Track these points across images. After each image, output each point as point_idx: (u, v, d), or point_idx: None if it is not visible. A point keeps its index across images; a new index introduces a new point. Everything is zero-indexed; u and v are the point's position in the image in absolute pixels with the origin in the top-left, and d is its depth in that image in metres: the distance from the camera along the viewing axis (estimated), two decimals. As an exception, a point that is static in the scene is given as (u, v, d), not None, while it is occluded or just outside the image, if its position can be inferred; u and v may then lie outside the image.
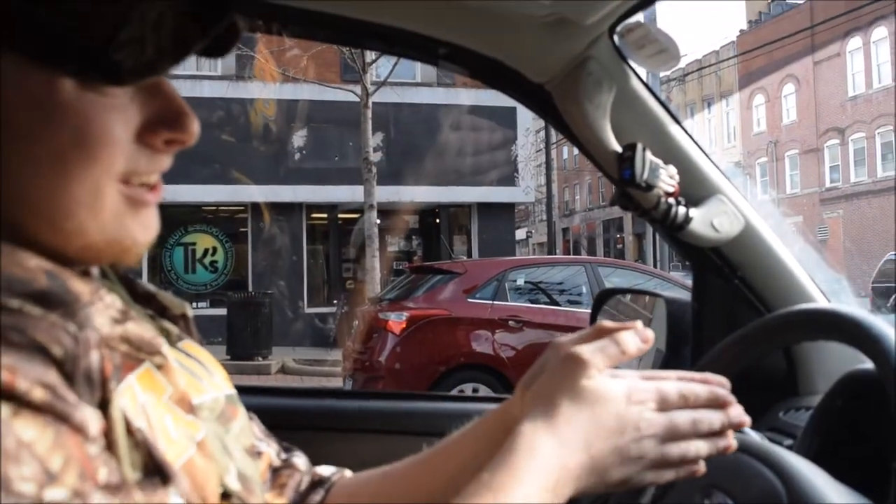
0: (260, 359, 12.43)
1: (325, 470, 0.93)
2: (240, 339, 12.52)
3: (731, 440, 0.73)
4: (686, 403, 0.71)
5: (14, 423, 0.46)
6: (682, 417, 0.70)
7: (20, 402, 0.46)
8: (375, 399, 1.67)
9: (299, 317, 15.72)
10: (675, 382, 0.72)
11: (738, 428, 0.73)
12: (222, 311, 13.22)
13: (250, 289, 14.98)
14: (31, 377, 0.48)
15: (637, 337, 0.73)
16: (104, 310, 0.62)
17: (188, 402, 0.66)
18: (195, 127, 0.65)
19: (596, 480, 0.68)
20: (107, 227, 0.62)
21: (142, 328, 0.65)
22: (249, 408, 0.82)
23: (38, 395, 0.47)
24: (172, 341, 0.72)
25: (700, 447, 0.71)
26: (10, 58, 0.57)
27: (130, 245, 0.64)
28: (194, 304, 15.36)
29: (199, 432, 0.65)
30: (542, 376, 0.72)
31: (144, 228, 0.65)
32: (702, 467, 0.72)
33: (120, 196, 0.62)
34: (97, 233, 0.62)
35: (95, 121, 0.59)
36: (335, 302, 16.02)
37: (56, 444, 0.47)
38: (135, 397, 0.59)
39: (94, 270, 0.70)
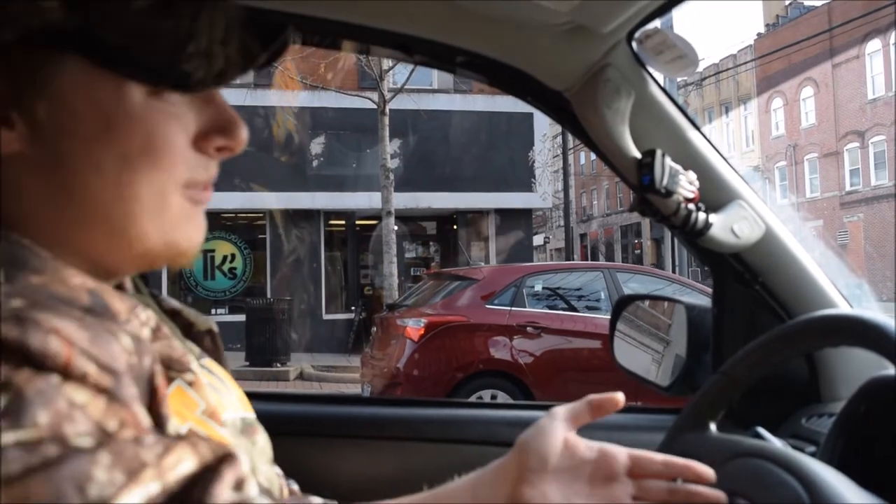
0: (278, 365, 12.46)
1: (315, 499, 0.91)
2: (258, 346, 12.56)
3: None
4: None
5: (65, 388, 0.47)
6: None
7: (72, 376, 0.48)
8: (394, 406, 1.67)
9: (317, 323, 15.76)
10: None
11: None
12: (241, 318, 13.27)
13: (269, 295, 15.04)
14: (98, 357, 0.49)
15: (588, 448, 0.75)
16: (139, 327, 0.62)
17: (219, 416, 0.67)
18: (244, 135, 0.69)
19: None
20: (166, 230, 0.64)
21: (171, 347, 0.66)
22: (268, 415, 0.82)
23: (95, 377, 0.49)
24: (196, 358, 0.73)
25: None
26: (78, 65, 0.59)
27: (187, 247, 0.67)
28: (213, 311, 15.46)
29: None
30: (510, 456, 0.76)
31: (197, 228, 0.68)
32: None
33: (182, 200, 0.65)
34: (157, 237, 0.64)
35: (160, 128, 0.62)
36: (353, 308, 16.05)
37: (110, 410, 0.48)
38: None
39: (128, 285, 0.71)
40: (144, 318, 0.64)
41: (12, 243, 0.58)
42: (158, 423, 0.55)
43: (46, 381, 0.46)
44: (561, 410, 0.78)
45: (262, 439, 0.76)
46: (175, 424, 0.57)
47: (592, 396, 0.78)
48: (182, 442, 0.52)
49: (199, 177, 0.67)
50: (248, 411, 0.76)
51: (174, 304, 0.81)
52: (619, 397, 0.78)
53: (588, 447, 0.77)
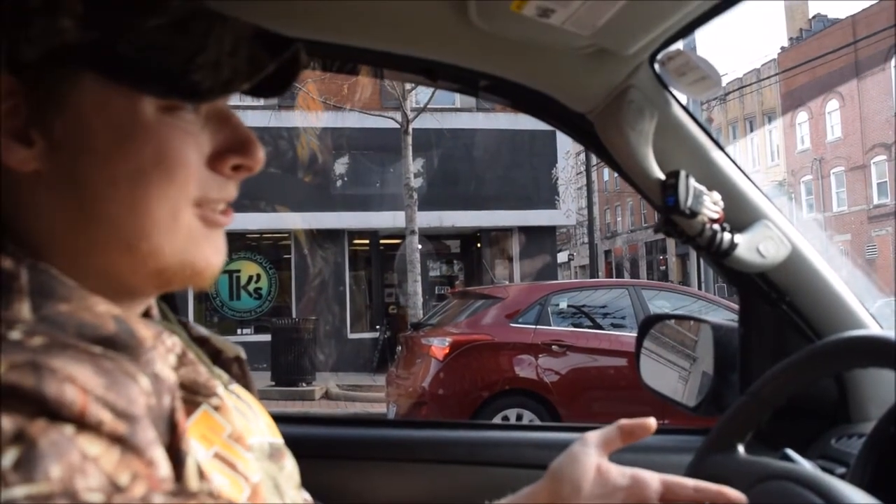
0: (304, 384, 12.49)
1: None
2: (284, 365, 12.60)
3: None
4: None
5: (79, 439, 0.46)
6: None
7: (87, 426, 0.47)
8: (421, 428, 1.67)
9: (342, 342, 15.78)
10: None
11: None
12: (266, 338, 13.33)
13: (294, 315, 15.09)
14: (114, 404, 0.49)
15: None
16: (165, 354, 0.63)
17: (245, 440, 0.67)
18: (261, 154, 0.69)
19: None
20: (181, 248, 0.65)
21: (197, 372, 0.66)
22: (295, 437, 0.82)
23: (111, 425, 0.48)
24: (225, 383, 0.74)
25: None
26: (93, 80, 0.60)
27: (204, 267, 0.67)
28: (239, 331, 15.54)
29: (255, 474, 0.66)
30: (542, 484, 0.77)
31: (216, 250, 0.68)
32: None
33: (195, 218, 0.65)
34: (172, 255, 0.64)
35: (173, 143, 0.63)
36: (378, 327, 16.07)
37: (123, 463, 0.48)
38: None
39: (155, 313, 0.72)
40: (170, 345, 0.65)
41: (39, 272, 0.58)
42: (177, 459, 0.54)
43: (61, 433, 0.45)
44: (592, 437, 0.78)
45: (290, 464, 0.76)
46: (194, 459, 0.56)
47: (624, 422, 0.79)
48: (192, 501, 0.52)
49: (212, 195, 0.67)
50: (275, 437, 0.76)
51: (203, 331, 0.81)
52: (651, 423, 0.78)
53: (621, 473, 0.77)
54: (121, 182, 0.61)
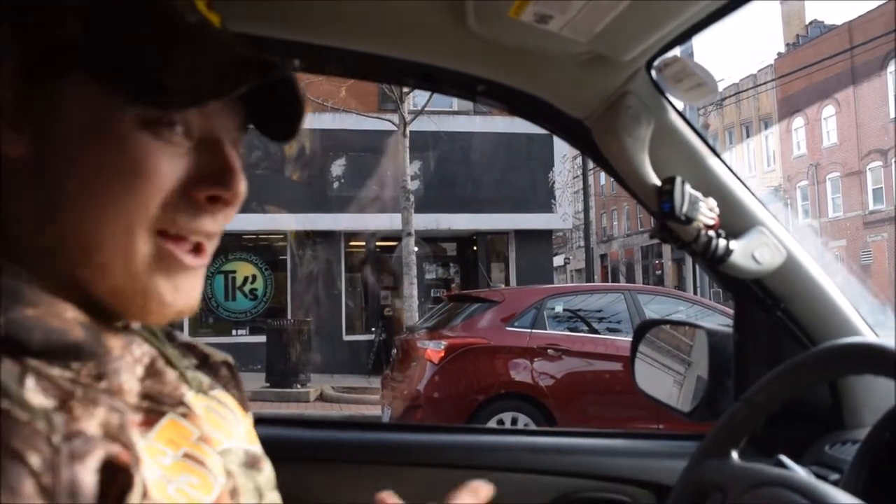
0: (299, 386, 12.47)
1: None
2: (279, 367, 12.59)
3: None
4: None
5: None
6: None
7: None
8: (416, 432, 1.67)
9: (338, 344, 15.77)
10: None
11: None
12: (262, 339, 13.32)
13: (289, 316, 15.08)
14: None
15: None
16: (132, 364, 0.63)
17: (213, 443, 0.67)
18: (240, 186, 0.66)
19: None
20: (135, 274, 0.63)
21: (163, 383, 0.66)
22: (289, 440, 0.82)
23: None
24: (204, 389, 0.73)
25: None
26: (81, 78, 0.61)
27: (157, 304, 0.65)
28: (234, 332, 15.52)
29: (221, 474, 0.66)
30: None
31: (176, 291, 0.66)
32: None
33: (153, 245, 0.64)
34: (124, 276, 0.63)
35: (144, 159, 0.62)
36: (373, 330, 16.06)
37: None
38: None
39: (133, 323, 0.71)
40: (138, 355, 0.65)
41: (9, 275, 0.58)
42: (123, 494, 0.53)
43: None
44: None
45: (266, 473, 0.75)
46: (164, 457, 0.57)
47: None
48: None
49: (180, 222, 0.64)
50: (253, 444, 0.75)
51: (187, 339, 0.80)
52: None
53: None
54: (87, 188, 0.61)
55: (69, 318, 0.59)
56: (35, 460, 0.50)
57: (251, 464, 0.72)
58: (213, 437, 0.67)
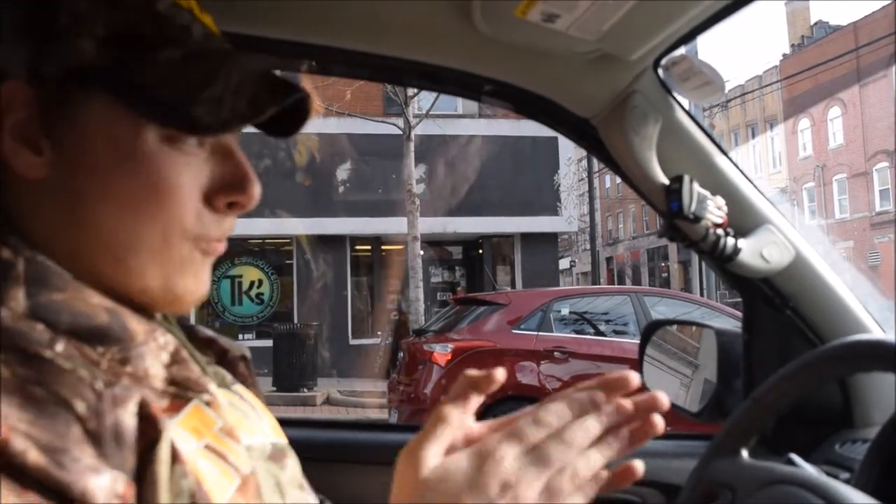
0: (305, 390, 12.48)
1: None
2: (285, 371, 12.60)
3: (624, 437, 0.63)
4: (549, 428, 0.61)
5: None
6: (552, 447, 0.60)
7: (10, 463, 0.47)
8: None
9: (344, 348, 15.77)
10: (526, 413, 0.63)
11: (626, 419, 0.63)
12: (268, 343, 13.32)
13: (296, 320, 15.09)
14: (38, 438, 0.48)
15: (458, 408, 0.64)
16: (156, 350, 0.64)
17: (236, 435, 0.67)
18: (255, 192, 0.69)
19: None
20: (168, 274, 0.66)
21: (189, 370, 0.67)
22: (295, 441, 0.82)
23: (33, 457, 0.47)
24: (227, 384, 0.75)
25: (591, 460, 0.61)
26: (103, 100, 0.63)
27: (182, 295, 0.68)
28: (240, 336, 15.53)
29: (245, 465, 0.66)
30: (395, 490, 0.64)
31: (199, 280, 0.69)
32: (604, 475, 0.63)
33: (185, 248, 0.67)
34: (157, 277, 0.66)
35: (170, 174, 0.64)
36: (379, 333, 16.06)
37: None
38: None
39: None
40: (162, 343, 0.66)
41: (36, 263, 0.60)
42: (144, 470, 0.54)
43: None
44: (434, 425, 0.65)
45: (292, 464, 0.76)
46: (166, 464, 0.56)
47: (466, 374, 0.66)
48: None
49: (208, 231, 0.68)
50: (279, 437, 0.76)
51: (209, 333, 0.83)
52: (498, 375, 0.64)
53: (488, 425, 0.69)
54: (115, 203, 0.63)
55: (95, 303, 0.61)
56: (81, 406, 0.52)
57: (276, 458, 0.73)
58: (236, 431, 0.68)
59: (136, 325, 0.64)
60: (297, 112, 0.73)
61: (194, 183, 0.66)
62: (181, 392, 0.64)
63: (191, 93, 0.63)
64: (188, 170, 0.66)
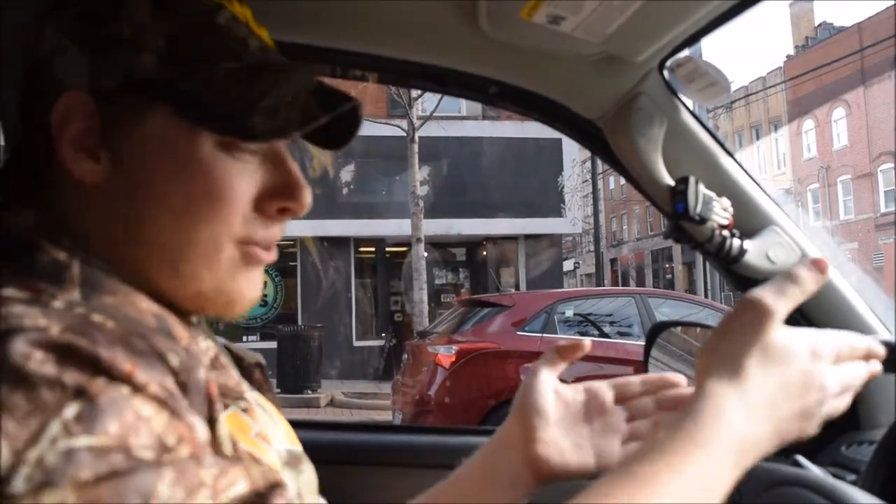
0: (309, 392, 12.49)
1: None
2: (289, 373, 12.61)
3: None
4: (852, 357, 0.71)
5: (133, 400, 0.49)
6: (853, 370, 0.71)
7: (139, 388, 0.50)
8: (428, 433, 1.67)
9: (348, 350, 15.78)
10: (839, 336, 0.72)
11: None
12: (272, 345, 13.33)
13: (300, 322, 15.10)
14: (152, 377, 0.51)
15: (813, 271, 0.70)
16: (199, 355, 0.65)
17: (269, 440, 0.70)
18: (307, 199, 0.71)
19: (776, 446, 0.65)
20: (219, 278, 0.68)
21: (228, 376, 0.69)
22: (301, 442, 0.83)
23: (155, 388, 0.51)
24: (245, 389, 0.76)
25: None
26: (162, 112, 0.64)
27: (237, 298, 0.70)
28: (244, 338, 15.54)
29: (278, 470, 0.67)
30: (721, 331, 0.68)
31: (250, 283, 0.70)
32: None
33: (237, 253, 0.68)
34: (210, 281, 0.67)
35: (225, 180, 0.66)
36: (384, 335, 16.07)
37: (170, 426, 0.50)
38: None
39: (194, 318, 0.74)
40: (204, 348, 0.68)
41: (90, 266, 0.62)
42: (212, 429, 0.57)
43: (118, 392, 0.48)
44: (538, 366, 0.86)
45: (308, 471, 0.77)
46: (228, 440, 0.60)
47: (559, 345, 0.89)
48: (236, 465, 0.54)
49: (257, 236, 0.69)
50: (294, 444, 0.77)
51: (223, 342, 0.83)
52: (585, 344, 0.87)
53: (575, 390, 0.85)
54: (171, 209, 0.65)
55: (143, 308, 0.63)
56: (174, 360, 0.55)
57: (293, 464, 0.74)
58: (269, 436, 0.70)
59: (180, 330, 0.65)
60: (348, 123, 0.75)
61: (246, 188, 0.68)
62: (221, 398, 0.64)
63: (247, 104, 0.64)
64: (240, 176, 0.67)
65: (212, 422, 0.58)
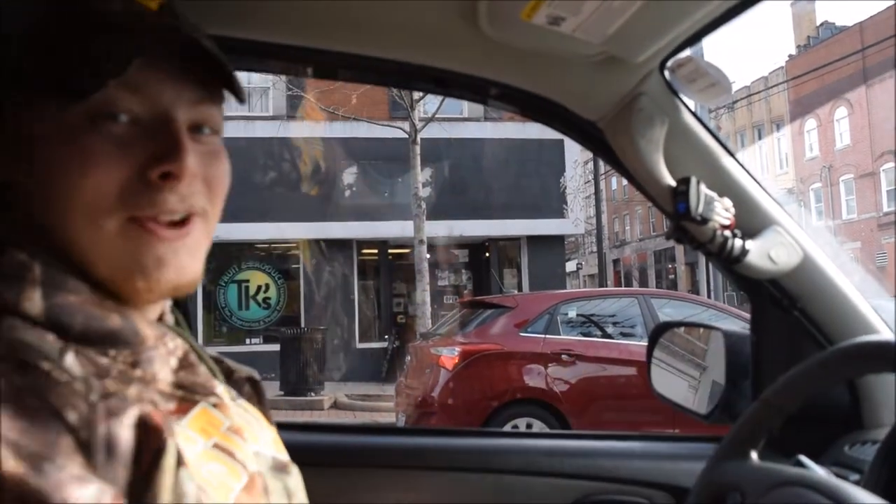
0: (312, 394, 12.48)
1: None
2: (293, 375, 12.60)
3: None
4: None
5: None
6: None
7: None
8: (432, 436, 1.67)
9: (351, 352, 15.78)
10: None
11: None
12: (275, 347, 13.33)
13: (303, 325, 15.10)
14: (26, 448, 0.49)
15: None
16: (165, 355, 0.66)
17: (243, 433, 0.69)
18: (187, 161, 0.67)
19: None
20: (113, 256, 0.65)
21: (196, 374, 0.68)
22: (304, 445, 0.83)
23: (10, 466, 0.48)
24: (232, 397, 0.76)
25: None
26: (26, 100, 0.66)
27: (143, 279, 0.66)
28: (247, 341, 15.56)
29: (252, 464, 0.67)
30: None
31: (160, 263, 0.66)
32: None
33: (123, 227, 0.65)
34: (107, 266, 0.65)
35: (95, 153, 0.64)
36: (386, 337, 16.07)
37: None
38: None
39: (169, 318, 0.75)
40: (172, 347, 0.67)
41: (51, 266, 0.62)
42: (158, 461, 0.56)
43: None
44: None
45: (295, 477, 0.77)
46: (170, 469, 0.57)
47: None
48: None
49: (143, 207, 0.66)
50: (280, 452, 0.77)
51: (215, 354, 0.83)
52: None
53: None
54: (59, 196, 0.64)
55: (108, 307, 0.63)
56: (72, 416, 0.53)
57: (280, 468, 0.74)
58: (244, 431, 0.69)
59: (147, 329, 0.65)
60: (224, 77, 0.73)
61: (126, 161, 0.66)
62: (188, 395, 0.65)
63: (68, 64, 0.64)
64: (117, 149, 0.65)
65: (157, 453, 0.56)
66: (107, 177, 0.64)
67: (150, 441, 0.56)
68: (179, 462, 0.57)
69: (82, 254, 0.65)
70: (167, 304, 0.76)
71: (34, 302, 0.59)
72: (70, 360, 0.57)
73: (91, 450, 0.53)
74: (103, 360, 0.60)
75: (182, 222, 0.68)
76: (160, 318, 0.74)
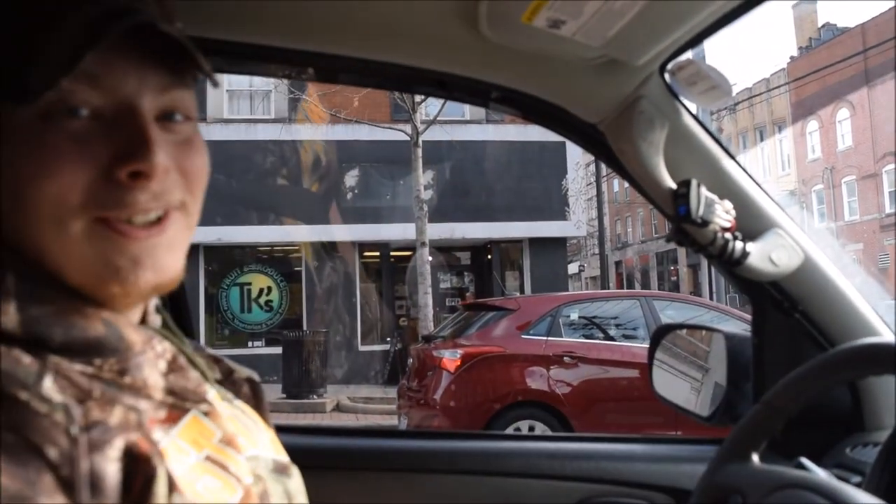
0: (315, 397, 12.48)
1: None
2: (295, 378, 12.60)
3: None
4: None
5: None
6: None
7: None
8: (433, 439, 1.67)
9: (353, 355, 15.78)
10: None
11: None
12: (277, 350, 13.34)
13: (305, 327, 15.10)
14: (6, 486, 0.47)
15: None
16: (154, 359, 0.64)
17: (237, 444, 0.67)
18: (156, 158, 0.62)
19: None
20: (80, 260, 0.62)
21: (187, 378, 0.66)
22: (306, 448, 0.82)
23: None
24: (228, 398, 0.74)
25: None
26: None
27: (119, 280, 0.62)
28: (250, 343, 15.57)
29: (247, 476, 0.66)
30: None
31: (135, 264, 0.63)
32: None
33: (87, 228, 0.62)
34: (77, 270, 0.62)
35: (56, 151, 0.60)
36: (389, 339, 16.07)
37: None
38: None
39: (156, 321, 0.72)
40: (160, 351, 0.65)
41: (26, 277, 0.60)
42: (150, 488, 0.54)
43: None
44: None
45: (296, 479, 0.76)
46: (187, 457, 0.57)
47: None
48: None
49: (108, 206, 0.62)
50: (279, 454, 0.75)
51: (214, 354, 0.81)
52: None
53: None
54: (13, 194, 0.61)
55: (90, 314, 0.60)
56: (53, 453, 0.50)
57: (280, 470, 0.73)
58: (237, 441, 0.67)
59: (133, 334, 0.63)
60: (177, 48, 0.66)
61: (88, 159, 0.61)
62: (178, 402, 0.63)
63: (24, 59, 0.60)
64: (77, 145, 0.61)
65: (148, 482, 0.54)
66: (68, 177, 0.60)
67: (139, 471, 0.54)
68: (171, 487, 0.56)
69: (53, 260, 0.61)
70: (151, 305, 0.72)
71: (9, 316, 0.56)
72: (48, 384, 0.54)
73: (74, 487, 0.50)
74: (84, 380, 0.57)
75: (158, 220, 0.64)
76: (144, 320, 0.70)
